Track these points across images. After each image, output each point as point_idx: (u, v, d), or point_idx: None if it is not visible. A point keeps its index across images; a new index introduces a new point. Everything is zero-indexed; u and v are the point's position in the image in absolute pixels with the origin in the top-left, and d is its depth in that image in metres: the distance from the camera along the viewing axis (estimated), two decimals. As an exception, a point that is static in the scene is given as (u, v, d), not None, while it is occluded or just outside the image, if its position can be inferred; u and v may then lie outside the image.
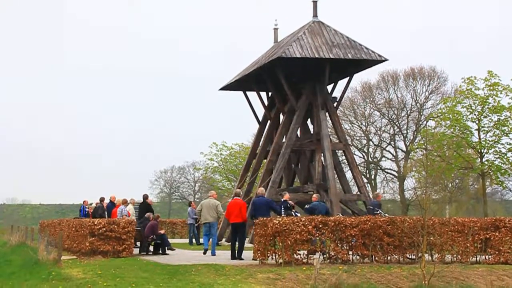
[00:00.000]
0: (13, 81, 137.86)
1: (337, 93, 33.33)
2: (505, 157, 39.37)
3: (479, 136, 40.21)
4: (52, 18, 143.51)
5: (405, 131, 60.89)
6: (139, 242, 24.69)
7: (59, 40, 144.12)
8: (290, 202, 22.54)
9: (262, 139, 34.96)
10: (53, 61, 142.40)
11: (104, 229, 21.71)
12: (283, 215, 20.75)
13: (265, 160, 34.07)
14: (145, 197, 28.14)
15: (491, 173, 40.57)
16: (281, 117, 33.79)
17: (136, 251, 23.76)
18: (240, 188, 35.57)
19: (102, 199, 29.34)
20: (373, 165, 63.10)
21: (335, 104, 32.73)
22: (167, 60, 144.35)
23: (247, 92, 35.77)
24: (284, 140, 32.42)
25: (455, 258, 19.55)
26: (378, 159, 63.36)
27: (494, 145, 39.53)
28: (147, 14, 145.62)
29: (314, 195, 24.15)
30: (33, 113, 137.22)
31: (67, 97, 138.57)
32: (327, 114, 32.13)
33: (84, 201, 32.70)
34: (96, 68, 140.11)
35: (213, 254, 22.42)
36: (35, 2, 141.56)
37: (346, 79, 32.57)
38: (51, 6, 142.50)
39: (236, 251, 20.88)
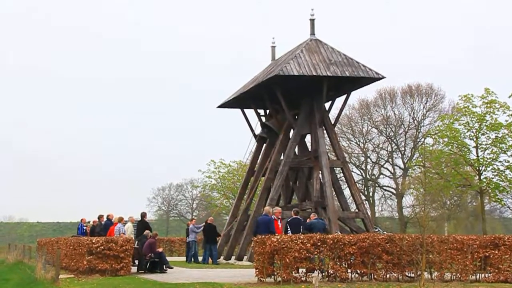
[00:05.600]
0: (12, 98, 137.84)
1: (334, 111, 33.39)
2: (503, 174, 39.35)
3: (477, 153, 40.22)
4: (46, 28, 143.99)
5: (403, 148, 60.92)
6: (137, 260, 24.59)
7: (58, 52, 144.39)
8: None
9: (260, 156, 34.94)
10: (57, 76, 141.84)
11: (102, 247, 21.65)
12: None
13: (263, 178, 34.02)
14: (143, 215, 28.09)
15: (490, 190, 40.52)
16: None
17: (134, 269, 23.65)
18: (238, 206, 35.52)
19: (100, 217, 29.25)
20: (371, 182, 63.05)
21: (332, 122, 32.78)
22: (164, 77, 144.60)
23: (245, 110, 35.82)
24: (282, 157, 32.40)
25: (454, 276, 19.44)
26: (376, 176, 63.34)
27: (492, 162, 39.51)
28: (146, 26, 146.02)
29: (312, 215, 24.12)
30: (31, 131, 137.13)
31: (67, 116, 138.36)
32: (325, 131, 32.18)
33: (82, 219, 32.63)
34: (97, 84, 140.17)
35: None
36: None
37: (344, 97, 32.65)
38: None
39: None
